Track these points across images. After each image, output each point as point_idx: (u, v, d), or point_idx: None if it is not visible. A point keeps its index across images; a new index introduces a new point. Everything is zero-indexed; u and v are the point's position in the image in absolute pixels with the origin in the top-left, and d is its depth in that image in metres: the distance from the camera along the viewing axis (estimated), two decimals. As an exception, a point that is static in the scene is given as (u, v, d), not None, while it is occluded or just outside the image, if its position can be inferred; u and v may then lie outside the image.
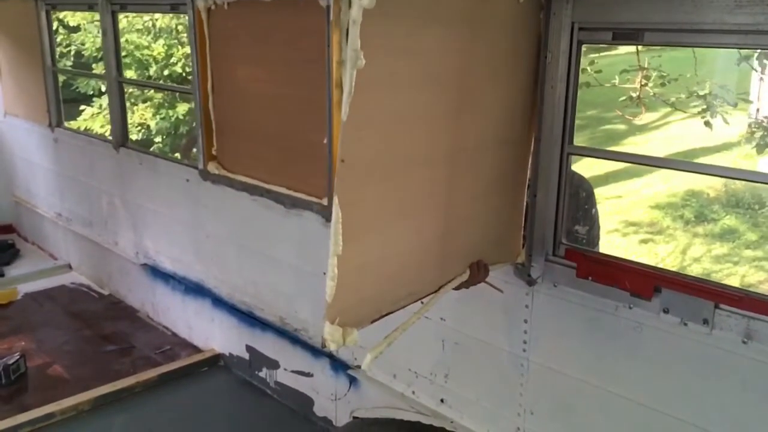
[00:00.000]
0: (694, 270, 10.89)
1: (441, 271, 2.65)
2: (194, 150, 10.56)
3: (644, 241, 11.72)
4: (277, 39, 4.07)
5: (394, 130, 2.22)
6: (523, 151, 2.96)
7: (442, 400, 3.60)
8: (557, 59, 2.79)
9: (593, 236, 3.13)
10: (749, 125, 12.34)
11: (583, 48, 2.84)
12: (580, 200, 3.10)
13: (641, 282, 2.65)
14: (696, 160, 13.19)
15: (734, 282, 10.41)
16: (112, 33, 5.45)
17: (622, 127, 13.99)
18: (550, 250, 2.98)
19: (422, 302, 2.59)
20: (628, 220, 12.04)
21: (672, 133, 14.25)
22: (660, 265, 11.08)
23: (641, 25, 2.56)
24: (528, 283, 3.06)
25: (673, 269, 9.64)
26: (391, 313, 2.41)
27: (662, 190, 12.74)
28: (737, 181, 11.01)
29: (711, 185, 12.64)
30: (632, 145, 14.03)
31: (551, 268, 2.97)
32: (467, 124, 2.54)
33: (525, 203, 3.02)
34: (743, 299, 2.42)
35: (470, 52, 2.45)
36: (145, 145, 10.40)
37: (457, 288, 2.76)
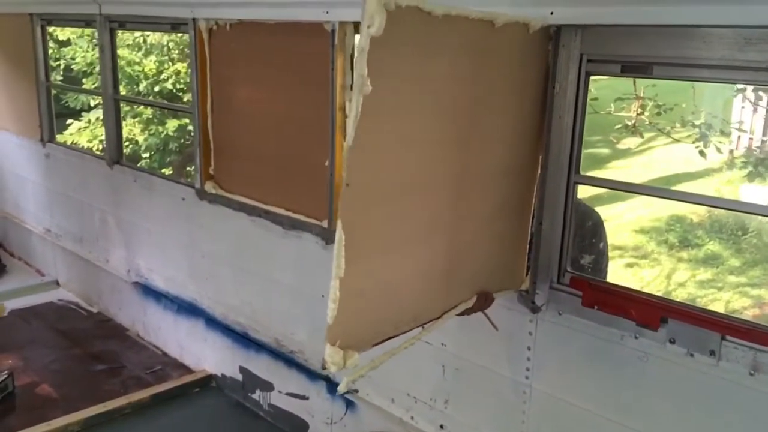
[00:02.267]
0: (679, 295, 10.99)
1: (445, 296, 2.66)
2: (188, 168, 10.55)
3: (629, 265, 11.80)
4: (280, 61, 4.08)
5: (399, 155, 2.24)
6: (528, 179, 2.98)
7: (441, 427, 3.58)
8: (565, 90, 2.82)
9: (600, 269, 3.15)
10: (731, 152, 12.54)
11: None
12: (586, 230, 3.13)
13: (648, 312, 2.67)
14: (679, 186, 13.37)
15: (718, 307, 10.52)
16: (109, 50, 5.43)
17: (605, 150, 14.15)
18: (555, 278, 2.99)
19: (423, 327, 2.58)
20: (613, 243, 12.14)
21: (655, 157, 14.43)
22: (645, 290, 11.18)
23: (650, 59, 2.60)
24: (532, 311, 3.07)
25: (680, 300, 9.74)
26: (394, 337, 2.41)
27: (645, 214, 12.86)
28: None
29: (694, 210, 12.77)
30: (615, 169, 14.19)
31: (556, 295, 2.99)
32: (474, 151, 2.56)
33: (530, 231, 3.04)
34: (750, 331, 2.44)
35: (478, 81, 2.48)
36: (132, 160, 10.34)
37: (459, 314, 2.77)
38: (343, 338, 2.15)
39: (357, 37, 3.71)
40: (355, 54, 1.96)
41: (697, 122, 8.06)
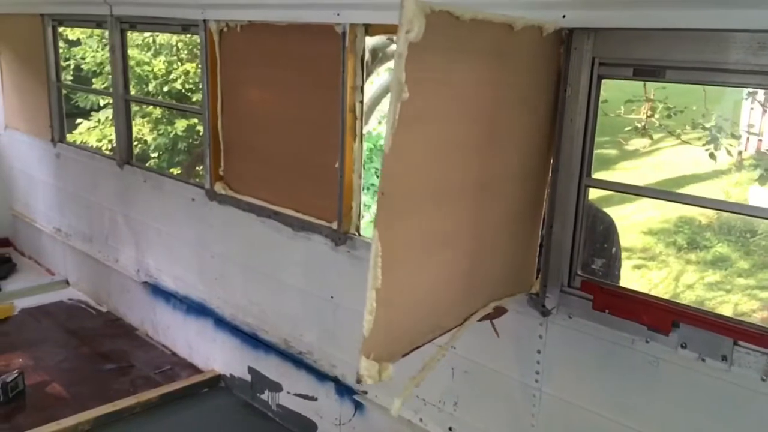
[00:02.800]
0: (688, 297, 10.94)
1: (466, 302, 2.65)
2: (198, 168, 10.58)
3: (637, 267, 11.76)
4: (290, 62, 4.09)
5: (429, 161, 2.23)
6: (540, 182, 2.98)
7: (450, 429, 3.58)
8: (577, 93, 2.82)
9: (612, 273, 3.13)
10: (739, 153, 12.48)
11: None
12: (598, 234, 3.12)
13: (659, 316, 2.66)
14: (688, 187, 13.32)
15: (727, 310, 10.47)
16: (120, 51, 5.45)
17: (613, 151, 14.11)
18: (566, 281, 2.99)
19: (453, 333, 2.57)
20: (622, 245, 12.08)
21: (663, 158, 14.37)
22: (653, 292, 11.15)
23: (663, 62, 2.59)
24: (542, 314, 3.07)
25: (689, 302, 9.70)
26: (421, 346, 2.39)
27: (654, 215, 12.82)
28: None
29: (703, 212, 12.72)
30: (623, 170, 14.14)
31: (566, 299, 2.98)
32: (494, 155, 2.56)
33: (540, 233, 3.03)
34: (763, 336, 2.44)
35: (498, 84, 2.48)
36: (141, 160, 10.38)
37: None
38: (376, 350, 2.12)
39: (368, 39, 3.72)
40: (394, 60, 1.93)
41: (707, 125, 8.01)
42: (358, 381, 2.10)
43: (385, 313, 2.08)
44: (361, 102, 3.82)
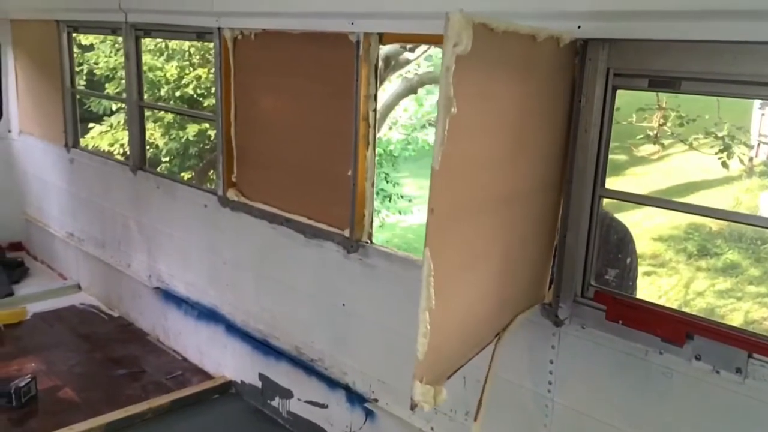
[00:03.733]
0: (698, 304, 10.89)
1: (499, 317, 2.65)
2: (210, 173, 10.63)
3: (647, 274, 11.71)
4: (304, 71, 4.11)
5: (470, 176, 2.22)
6: (556, 193, 2.98)
7: (462, 438, 3.58)
8: (592, 103, 2.82)
9: (628, 284, 3.13)
10: (750, 159, 12.43)
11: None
12: (613, 244, 3.11)
13: (673, 328, 2.66)
14: (698, 193, 13.27)
15: (738, 317, 10.42)
16: (134, 58, 5.49)
17: (622, 157, 14.08)
18: (579, 292, 2.98)
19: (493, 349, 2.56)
20: (633, 252, 12.02)
21: (673, 164, 14.32)
22: (664, 299, 11.10)
23: (679, 73, 2.59)
24: (555, 324, 3.06)
25: (699, 310, 9.63)
26: (461, 367, 2.36)
27: (663, 222, 12.77)
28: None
29: (713, 219, 12.65)
30: (633, 176, 14.10)
31: (579, 309, 2.98)
32: (521, 167, 2.56)
33: (554, 243, 3.03)
34: (778, 349, 2.43)
35: (525, 95, 2.49)
36: (152, 164, 10.45)
37: None
38: (428, 374, 2.07)
39: (382, 49, 3.73)
40: (441, 74, 1.92)
41: (720, 133, 7.99)
42: (413, 407, 2.03)
43: (436, 335, 2.03)
44: (375, 110, 3.83)
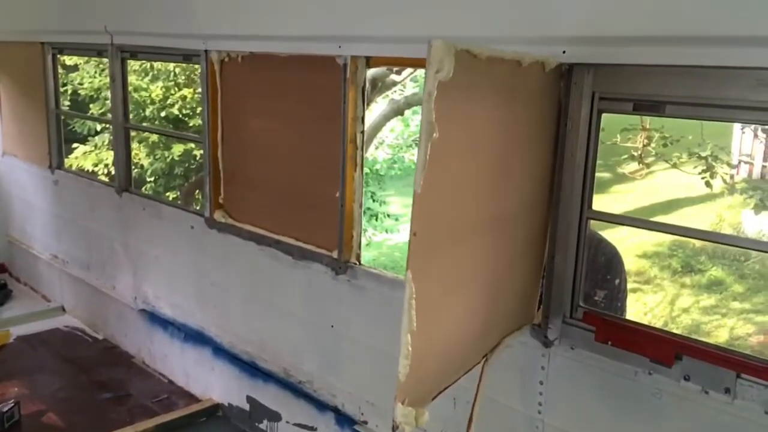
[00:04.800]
0: (684, 321, 10.95)
1: (486, 339, 2.65)
2: (196, 194, 10.58)
3: (633, 291, 11.77)
4: (291, 93, 4.13)
5: (453, 199, 2.24)
6: (544, 215, 3.00)
7: (452, 460, 3.56)
8: (577, 127, 2.85)
9: (617, 305, 3.14)
10: (731, 177, 12.58)
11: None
12: (601, 265, 3.14)
13: (662, 349, 2.67)
14: (681, 210, 13.40)
15: (723, 334, 10.48)
16: (120, 79, 5.48)
17: (606, 175, 14.21)
18: (568, 313, 3.00)
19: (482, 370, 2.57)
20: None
21: (656, 182, 14.48)
22: (649, 316, 11.15)
23: (663, 98, 2.63)
24: (544, 345, 3.07)
25: (691, 333, 9.68)
26: (446, 389, 2.37)
27: (648, 239, 12.87)
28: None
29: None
30: (617, 194, 14.22)
31: (569, 330, 2.99)
32: (505, 190, 2.58)
33: (543, 265, 3.05)
34: (766, 369, 2.45)
35: (509, 120, 2.51)
36: (137, 184, 10.39)
37: None
38: (410, 395, 2.08)
39: (368, 71, 3.76)
40: (423, 99, 1.95)
41: (703, 154, 8.12)
42: (394, 429, 2.04)
43: (418, 357, 2.05)
44: (362, 132, 3.85)
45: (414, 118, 13.15)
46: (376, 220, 12.95)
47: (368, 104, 4.23)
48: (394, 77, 10.27)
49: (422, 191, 1.96)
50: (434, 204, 2.08)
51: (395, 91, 11.15)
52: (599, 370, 2.90)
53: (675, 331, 9.96)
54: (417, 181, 1.95)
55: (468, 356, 2.53)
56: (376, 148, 13.06)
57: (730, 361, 2.54)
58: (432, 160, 1.95)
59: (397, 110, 11.19)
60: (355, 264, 3.90)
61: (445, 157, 2.04)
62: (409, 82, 11.26)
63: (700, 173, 8.18)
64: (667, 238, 12.65)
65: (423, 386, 2.19)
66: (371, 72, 4.53)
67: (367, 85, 3.85)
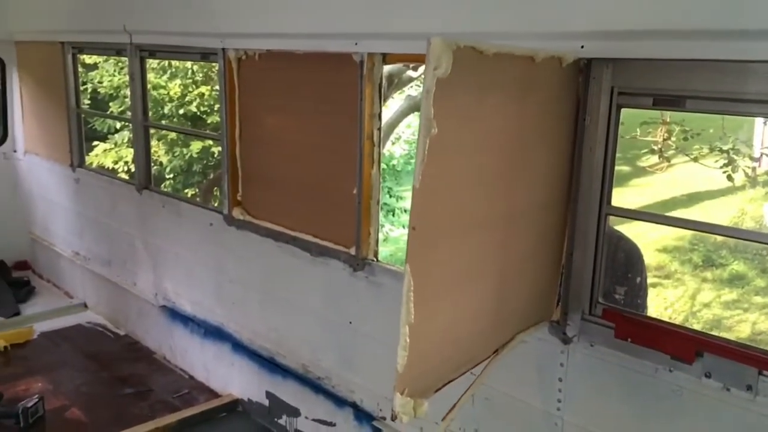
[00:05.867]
0: (705, 316, 10.85)
1: (496, 334, 2.65)
2: (214, 191, 10.66)
3: (653, 285, 11.67)
4: (309, 90, 4.14)
5: (458, 194, 2.25)
6: (562, 211, 2.98)
7: (471, 456, 3.56)
8: (596, 122, 2.83)
9: (637, 302, 3.12)
10: (753, 169, 12.41)
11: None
12: (620, 262, 3.11)
13: (683, 346, 2.65)
14: (702, 204, 13.25)
15: (745, 329, 10.36)
16: (139, 78, 5.53)
17: (626, 168, 14.07)
18: (587, 309, 2.98)
19: (472, 373, 2.57)
20: (639, 265, 11.96)
21: (676, 175, 14.33)
22: (670, 311, 11.05)
23: (683, 92, 2.60)
24: (563, 341, 3.06)
25: (712, 329, 9.59)
26: (453, 380, 2.38)
27: (668, 233, 12.75)
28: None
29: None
30: (636, 187, 14.10)
31: (588, 327, 2.97)
32: (519, 186, 2.57)
33: (562, 261, 3.04)
34: (789, 367, 2.42)
35: (521, 116, 2.50)
36: (156, 181, 10.48)
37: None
38: (410, 386, 2.10)
39: (385, 68, 3.76)
40: (422, 96, 1.97)
41: (725, 147, 8.02)
42: (393, 418, 2.08)
43: (418, 349, 2.07)
44: (379, 129, 3.85)
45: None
46: (393, 215, 12.95)
47: (385, 101, 4.23)
48: (410, 73, 10.25)
49: (421, 186, 1.97)
50: (434, 199, 2.09)
51: (412, 87, 11.13)
52: (619, 367, 2.89)
53: (696, 326, 9.87)
54: (416, 176, 1.96)
55: (476, 350, 2.54)
56: (393, 143, 13.05)
57: (752, 358, 2.51)
58: (431, 155, 1.95)
59: (414, 106, 11.18)
60: (373, 260, 3.91)
61: (445, 153, 2.05)
62: (425, 78, 11.21)
63: (721, 167, 8.08)
64: (688, 232, 12.51)
65: (425, 378, 2.21)
66: (387, 68, 4.52)
67: (384, 81, 3.85)
